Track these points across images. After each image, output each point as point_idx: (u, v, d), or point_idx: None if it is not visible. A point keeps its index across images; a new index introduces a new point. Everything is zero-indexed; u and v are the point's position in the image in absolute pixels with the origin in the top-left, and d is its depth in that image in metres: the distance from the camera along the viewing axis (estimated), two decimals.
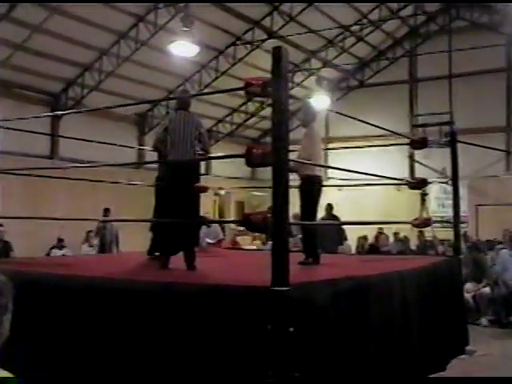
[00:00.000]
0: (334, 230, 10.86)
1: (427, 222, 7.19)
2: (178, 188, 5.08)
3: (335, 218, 10.99)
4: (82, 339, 3.90)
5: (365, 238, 13.90)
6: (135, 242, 11.83)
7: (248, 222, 3.88)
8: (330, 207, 11.07)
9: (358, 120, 7.08)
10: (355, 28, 17.26)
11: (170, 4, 13.39)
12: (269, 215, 3.66)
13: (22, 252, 10.46)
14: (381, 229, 12.32)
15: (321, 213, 6.13)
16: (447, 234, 9.82)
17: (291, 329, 3.30)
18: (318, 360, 3.54)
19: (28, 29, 12.44)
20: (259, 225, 3.80)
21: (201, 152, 5.33)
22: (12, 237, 10.71)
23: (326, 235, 10.31)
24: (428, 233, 12.80)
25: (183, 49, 13.71)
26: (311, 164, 5.64)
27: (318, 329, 3.58)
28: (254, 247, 9.92)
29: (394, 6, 17.10)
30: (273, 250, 3.51)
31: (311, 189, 5.79)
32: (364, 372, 4.05)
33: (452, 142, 7.39)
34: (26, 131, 8.08)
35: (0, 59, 12.75)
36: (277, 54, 3.69)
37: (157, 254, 5.82)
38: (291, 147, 5.96)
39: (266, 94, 3.90)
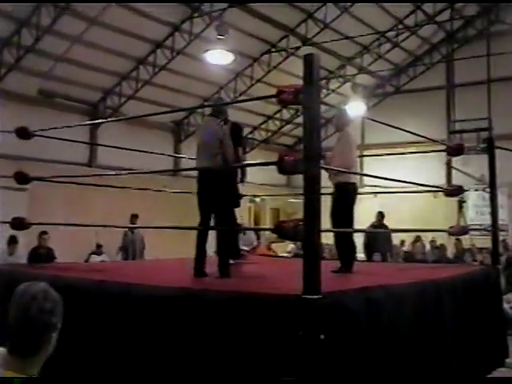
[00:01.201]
0: (385, 238, 10.75)
1: (464, 230, 7.08)
2: (201, 196, 5.15)
3: (384, 226, 10.88)
4: (116, 344, 3.96)
5: (402, 242, 13.74)
6: (165, 249, 11.98)
7: (280, 229, 3.89)
8: (380, 215, 10.95)
9: (394, 127, 7.03)
10: (391, 34, 17.13)
11: (205, 13, 13.54)
12: (300, 223, 3.65)
13: (63, 258, 10.66)
14: (418, 237, 12.15)
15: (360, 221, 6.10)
16: (486, 242, 9.62)
17: (322, 336, 3.29)
18: (348, 368, 3.51)
19: (68, 40, 12.74)
20: (291, 232, 3.80)
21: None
22: (53, 243, 10.93)
23: (377, 242, 10.30)
24: (466, 241, 12.58)
25: (218, 57, 13.84)
26: (346, 172, 5.60)
27: (349, 337, 3.56)
28: (289, 254, 9.91)
29: (431, 10, 16.90)
30: (304, 258, 3.51)
31: (346, 196, 5.76)
32: (397, 381, 4.00)
33: (489, 148, 7.26)
34: (66, 140, 8.25)
35: (43, 70, 13.09)
36: (308, 61, 3.69)
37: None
38: (328, 153, 6.00)
39: (298, 101, 3.89)
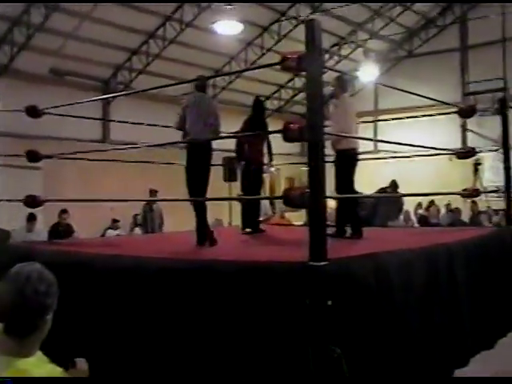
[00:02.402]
0: (392, 203, 10.69)
1: (477, 192, 7.03)
2: (196, 165, 5.44)
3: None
4: (128, 318, 4.04)
5: (419, 205, 13.67)
6: (182, 221, 12.07)
7: (287, 197, 3.91)
8: (394, 184, 10.89)
9: (407, 91, 6.97)
10: None
11: None
12: (307, 191, 3.66)
13: (80, 233, 10.81)
14: (432, 201, 12.08)
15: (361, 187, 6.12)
16: (502, 203, 9.55)
17: (329, 302, 3.32)
18: (358, 334, 3.54)
19: (77, 18, 12.71)
20: (297, 200, 3.81)
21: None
22: (71, 219, 11.08)
23: (384, 210, 10.27)
24: (482, 203, 12.50)
25: (227, 27, 13.74)
26: (345, 136, 5.56)
27: (358, 303, 3.57)
28: (301, 222, 9.93)
29: None
30: (310, 225, 3.53)
31: (346, 162, 5.74)
32: (407, 348, 4.02)
33: (502, 108, 7.17)
34: (79, 117, 8.33)
35: (53, 48, 13.11)
36: (310, 27, 3.67)
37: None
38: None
39: (302, 67, 3.88)
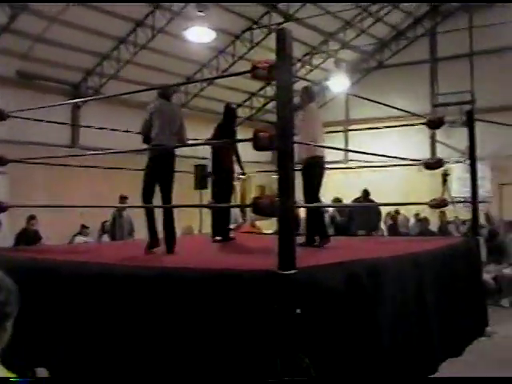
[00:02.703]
0: (371, 213, 10.80)
1: (444, 203, 7.12)
2: (156, 173, 5.46)
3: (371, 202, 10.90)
4: (93, 326, 3.97)
5: (389, 214, 13.78)
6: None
7: (256, 206, 3.90)
8: (365, 193, 10.97)
9: (377, 102, 7.04)
10: (373, 8, 17.00)
11: None
12: (276, 199, 3.66)
13: (48, 240, 10.63)
14: (397, 211, 12.22)
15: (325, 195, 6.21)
16: (469, 214, 9.70)
17: (298, 310, 3.32)
18: (327, 343, 3.54)
19: (46, 20, 12.54)
20: (267, 209, 3.81)
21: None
22: (38, 225, 10.89)
23: (360, 219, 10.37)
24: (450, 213, 12.65)
25: (199, 34, 13.72)
26: (315, 145, 5.62)
27: (326, 312, 3.58)
28: (272, 231, 9.91)
29: None
30: (279, 234, 3.52)
31: (313, 171, 5.79)
32: (376, 356, 4.03)
33: (469, 120, 7.28)
34: (47, 121, 8.19)
35: (20, 51, 12.90)
36: (280, 36, 3.68)
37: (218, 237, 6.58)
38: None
39: (273, 76, 3.88)
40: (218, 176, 6.69)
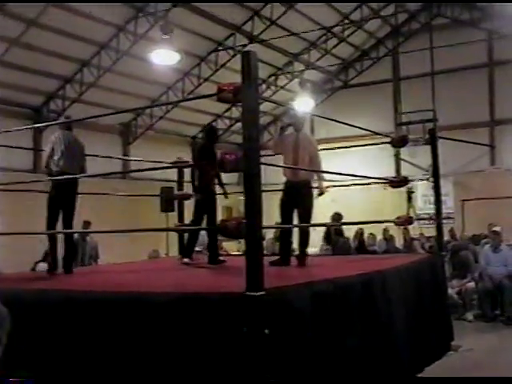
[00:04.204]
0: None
1: (409, 220, 7.22)
2: (60, 199, 5.78)
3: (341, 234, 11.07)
4: (61, 351, 3.88)
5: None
6: (117, 253, 11.82)
7: (223, 228, 3.88)
8: (338, 217, 11.04)
9: (341, 122, 7.14)
10: (337, 29, 17.31)
11: (150, 13, 13.39)
12: (243, 221, 3.64)
13: (8, 268, 10.37)
14: (360, 229, 12.34)
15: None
16: (434, 230, 9.86)
17: (266, 331, 3.30)
18: (295, 363, 3.53)
19: (6, 42, 12.40)
20: (234, 231, 3.79)
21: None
22: None
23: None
24: (415, 230, 12.84)
25: (164, 57, 13.71)
26: (293, 168, 5.71)
27: (296, 332, 3.57)
28: (239, 252, 9.90)
29: (375, 5, 17.17)
30: (247, 256, 3.51)
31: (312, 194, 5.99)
32: (345, 374, 4.03)
33: (432, 139, 7.42)
34: (8, 146, 8.05)
35: None
36: (246, 59, 3.70)
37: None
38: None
39: (238, 99, 3.89)
40: (199, 196, 6.58)
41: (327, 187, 6.15)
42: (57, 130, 6.15)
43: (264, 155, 5.44)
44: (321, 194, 6.09)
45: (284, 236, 6.28)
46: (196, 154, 6.96)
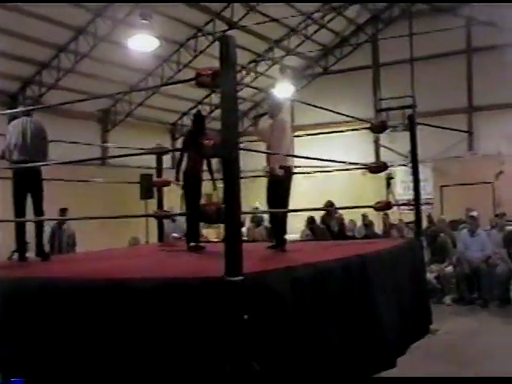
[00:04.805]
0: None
1: (389, 205, 7.26)
2: (27, 185, 5.78)
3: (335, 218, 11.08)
4: (42, 340, 3.85)
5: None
6: (95, 240, 11.73)
7: (202, 213, 3.87)
8: (330, 204, 11.09)
9: (321, 108, 7.13)
10: (317, 15, 17.24)
11: None
12: (223, 206, 3.63)
13: None
14: (341, 214, 12.41)
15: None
16: (412, 216, 9.95)
17: (245, 316, 3.30)
18: (276, 348, 3.53)
19: None
20: (213, 216, 3.78)
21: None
22: None
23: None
24: (394, 216, 12.93)
25: (143, 43, 13.57)
26: (269, 153, 5.68)
27: (275, 317, 3.57)
28: (218, 239, 9.90)
29: None
30: (226, 240, 3.50)
31: (285, 179, 5.85)
32: (325, 358, 4.06)
33: (411, 124, 7.45)
34: None
35: None
36: (224, 43, 3.67)
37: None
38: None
39: (217, 83, 3.86)
40: (186, 182, 6.53)
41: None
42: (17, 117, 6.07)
43: (242, 142, 5.46)
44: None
45: (277, 221, 6.17)
46: (184, 139, 6.86)
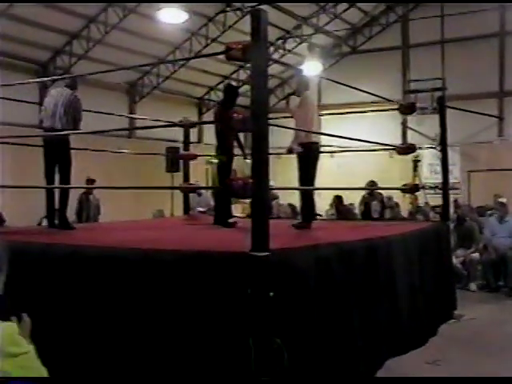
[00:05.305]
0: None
1: (416, 188, 7.19)
2: (55, 153, 5.88)
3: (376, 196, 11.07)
4: (65, 308, 3.90)
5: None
6: (121, 211, 11.85)
7: (229, 188, 3.87)
8: (372, 184, 11.04)
9: (350, 87, 7.05)
10: None
11: None
12: (250, 181, 3.63)
13: (14, 222, 10.43)
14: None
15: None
16: (439, 200, 9.85)
17: (271, 293, 3.31)
18: (298, 325, 3.54)
19: None
20: (240, 190, 3.78)
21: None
22: (4, 207, 10.66)
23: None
24: (421, 199, 12.81)
25: (172, 16, 13.50)
26: (307, 131, 5.66)
27: (299, 294, 3.58)
28: (244, 214, 9.90)
29: None
30: (252, 216, 3.50)
31: (309, 155, 5.82)
32: (347, 337, 4.06)
33: (440, 107, 7.35)
34: (14, 100, 7.99)
35: None
36: (255, 17, 3.63)
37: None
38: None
39: (247, 58, 3.83)
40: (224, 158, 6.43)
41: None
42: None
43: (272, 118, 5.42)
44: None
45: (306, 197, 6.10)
46: (216, 112, 6.74)
